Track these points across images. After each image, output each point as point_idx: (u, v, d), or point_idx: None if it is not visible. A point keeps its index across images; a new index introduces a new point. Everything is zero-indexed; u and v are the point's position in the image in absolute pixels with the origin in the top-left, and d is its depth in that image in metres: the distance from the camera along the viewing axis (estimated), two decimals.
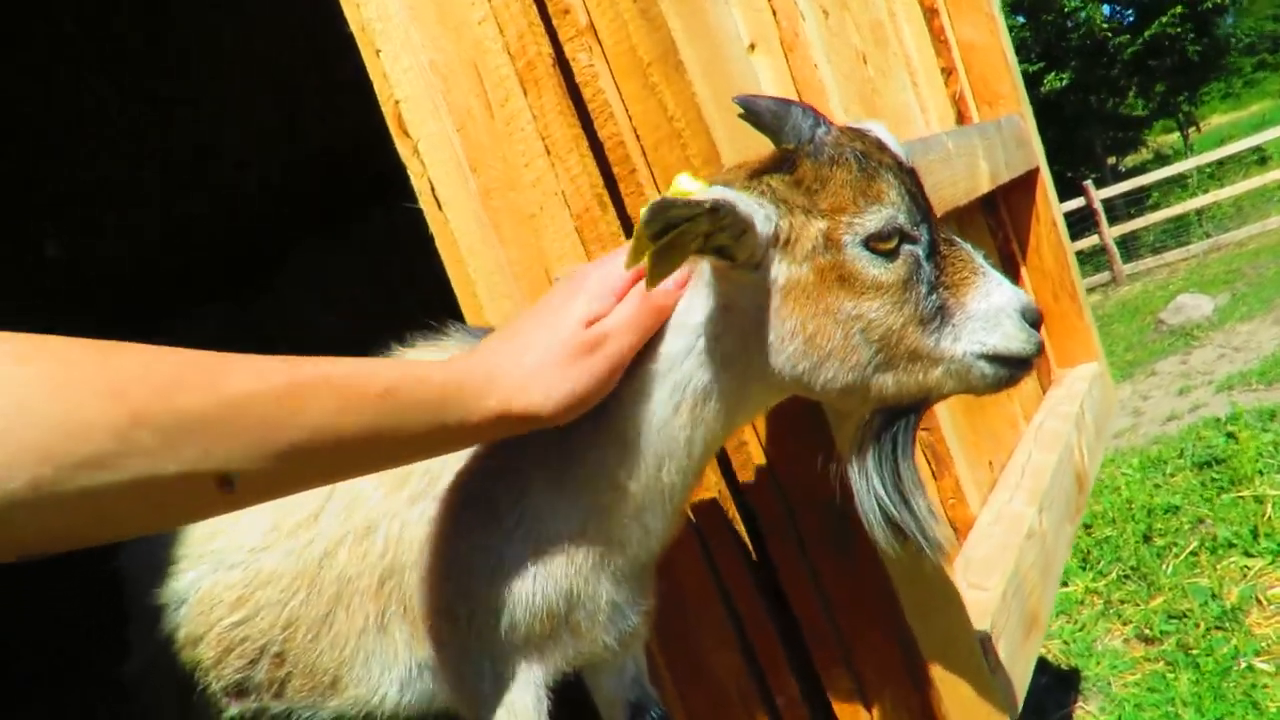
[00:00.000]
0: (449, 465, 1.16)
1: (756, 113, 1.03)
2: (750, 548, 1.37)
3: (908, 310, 0.98)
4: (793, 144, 1.01)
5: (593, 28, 1.27)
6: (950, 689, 1.26)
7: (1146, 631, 3.62)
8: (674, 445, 1.05)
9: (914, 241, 0.99)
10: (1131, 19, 28.03)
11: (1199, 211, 16.62)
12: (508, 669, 1.15)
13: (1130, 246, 17.24)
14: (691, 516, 1.34)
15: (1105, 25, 26.74)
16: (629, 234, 1.33)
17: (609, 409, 1.04)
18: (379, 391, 0.79)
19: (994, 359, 1.00)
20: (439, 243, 1.41)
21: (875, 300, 0.97)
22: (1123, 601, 4.04)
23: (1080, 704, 3.23)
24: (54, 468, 0.62)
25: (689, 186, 1.01)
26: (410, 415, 0.82)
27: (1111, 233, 15.66)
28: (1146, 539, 4.41)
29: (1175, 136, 34.14)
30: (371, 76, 1.39)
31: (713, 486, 1.34)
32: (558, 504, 1.10)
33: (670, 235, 0.88)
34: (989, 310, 0.99)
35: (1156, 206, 18.03)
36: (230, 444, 0.71)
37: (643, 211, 0.85)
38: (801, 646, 1.34)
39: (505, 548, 1.11)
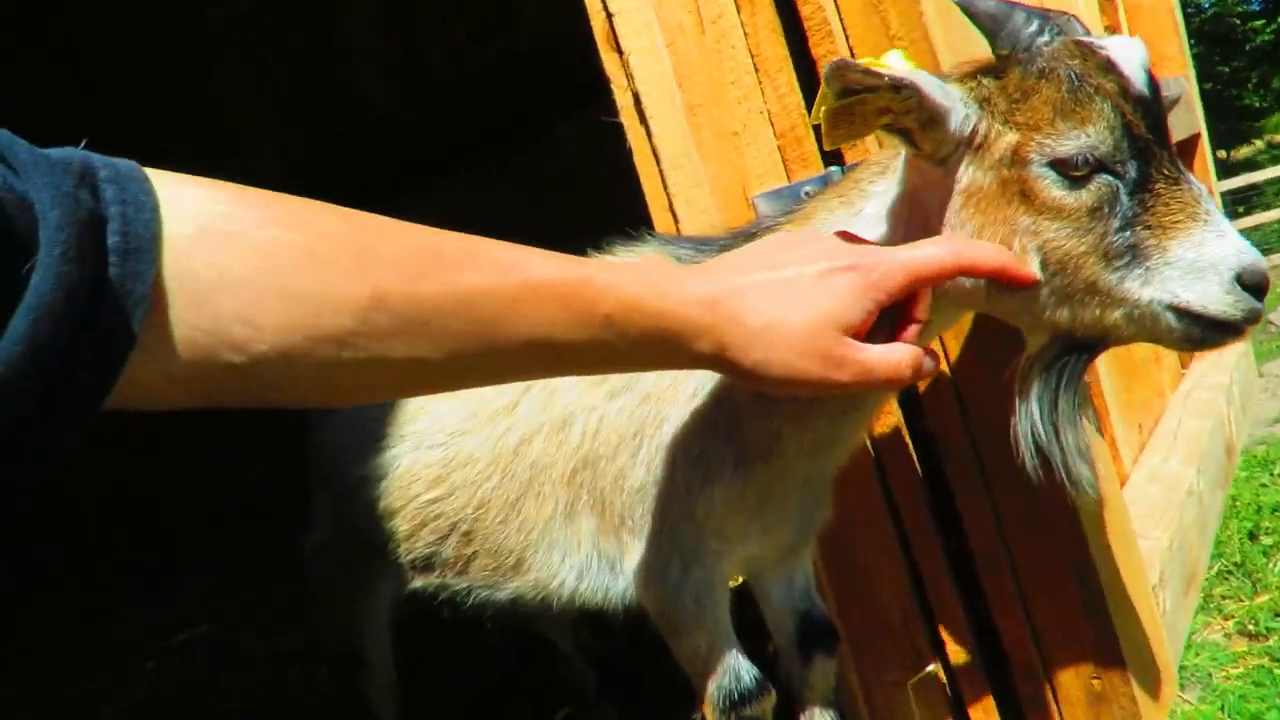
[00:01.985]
0: None
1: (976, 14, 1.01)
2: (921, 470, 1.39)
3: (1090, 240, 0.94)
4: (1007, 50, 0.98)
5: None
6: (1126, 629, 1.27)
7: (1250, 627, 3.51)
8: None
9: (1116, 174, 0.94)
10: (1258, 7, 26.54)
11: None
12: (696, 562, 1.20)
13: None
14: (870, 436, 1.36)
15: (1237, 11, 25.38)
16: (830, 160, 1.34)
17: None
18: (605, 312, 0.77)
19: (1185, 314, 0.93)
20: (637, 157, 1.44)
21: (1054, 221, 0.94)
22: (1224, 597, 3.92)
23: (1180, 694, 3.18)
24: (299, 338, 0.64)
25: (896, 64, 1.00)
26: (626, 340, 0.79)
27: None
28: (1252, 536, 4.27)
29: None
30: None
31: (893, 408, 1.36)
32: (760, 405, 1.13)
33: (850, 100, 0.88)
34: (1195, 260, 0.91)
35: (1268, 205, 17.14)
36: (457, 335, 0.71)
37: (825, 67, 0.86)
38: (971, 574, 1.36)
39: (710, 443, 1.15)
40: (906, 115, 0.94)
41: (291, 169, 5.32)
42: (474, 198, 5.27)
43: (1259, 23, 25.64)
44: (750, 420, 1.12)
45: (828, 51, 1.28)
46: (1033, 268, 0.96)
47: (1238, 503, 4.85)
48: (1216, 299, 0.91)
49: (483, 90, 4.90)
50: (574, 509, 1.27)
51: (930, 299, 0.94)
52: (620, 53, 1.41)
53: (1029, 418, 1.02)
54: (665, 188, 1.42)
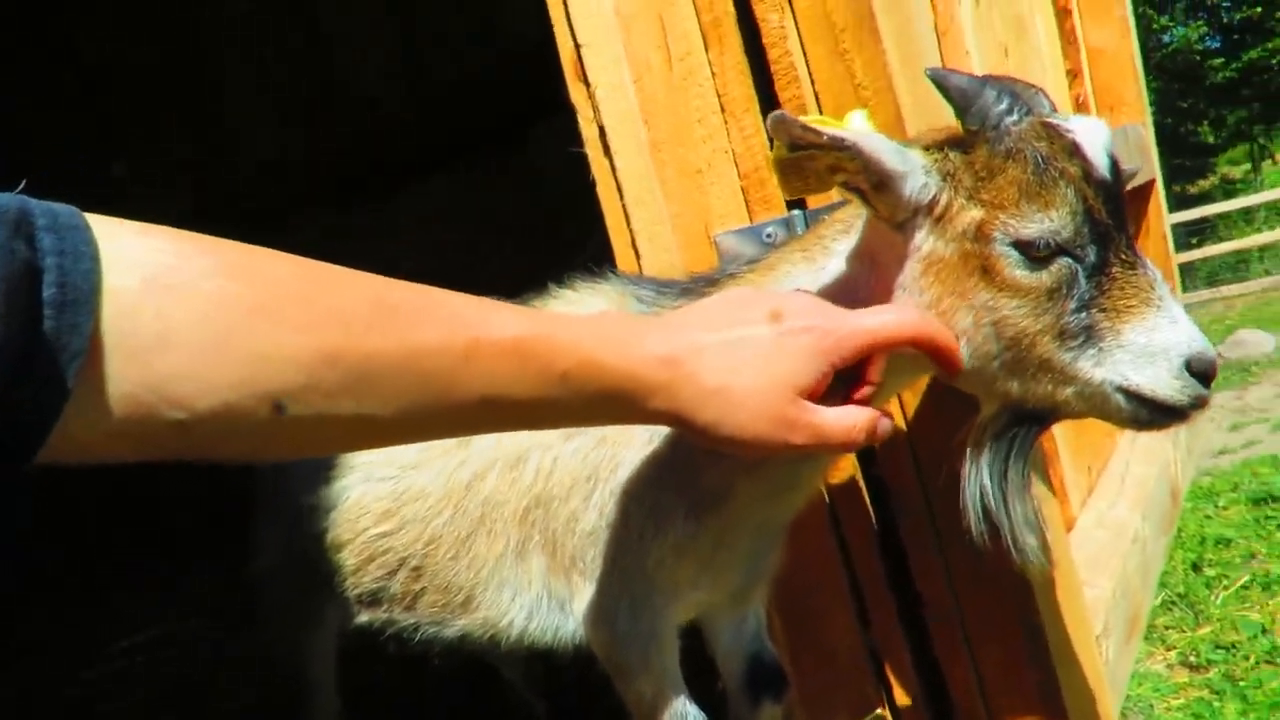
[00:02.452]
0: None
1: (947, 89, 1.02)
2: (876, 520, 1.39)
3: (1046, 319, 0.95)
4: (976, 126, 0.99)
5: None
6: (1069, 680, 1.28)
7: (1192, 659, 3.58)
8: None
9: (1076, 258, 0.95)
10: (1218, 44, 27.35)
11: (1262, 248, 16.24)
12: (646, 606, 1.19)
13: (1186, 276, 16.91)
14: (826, 483, 1.36)
15: (1197, 49, 26.17)
16: (793, 204, 1.34)
17: None
18: (563, 370, 0.76)
19: (1134, 396, 0.95)
20: (601, 191, 1.43)
21: (1012, 299, 0.96)
22: (1168, 628, 4.00)
23: None
24: (244, 395, 0.62)
25: (859, 124, 1.01)
26: (581, 398, 0.78)
27: (1175, 259, 15.35)
28: (1196, 568, 4.36)
29: (1241, 169, 33.31)
30: (553, 20, 1.40)
31: (848, 456, 1.36)
32: (714, 456, 1.12)
33: (798, 154, 0.90)
34: (1147, 345, 0.93)
35: (1219, 238, 17.64)
36: (408, 392, 0.69)
37: (768, 119, 0.89)
38: (921, 622, 1.36)
39: (661, 493, 1.14)
40: (858, 175, 0.95)
41: (291, 169, 5.30)
42: (474, 198, 5.25)
43: (1218, 61, 26.43)
44: (705, 469, 1.12)
45: (794, 96, 1.29)
46: (989, 343, 0.96)
47: (1183, 534, 4.96)
48: (1165, 384, 0.93)
49: (482, 90, 4.87)
50: (525, 548, 1.26)
51: (884, 363, 0.94)
52: (587, 85, 1.40)
53: (978, 484, 1.03)
54: (628, 223, 1.41)
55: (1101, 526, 1.69)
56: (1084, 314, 0.95)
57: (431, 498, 1.31)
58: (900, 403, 1.31)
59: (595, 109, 1.41)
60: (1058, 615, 1.28)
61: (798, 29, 1.28)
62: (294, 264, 0.69)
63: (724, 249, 1.35)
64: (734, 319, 0.87)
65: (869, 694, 1.42)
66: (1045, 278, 0.95)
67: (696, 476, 1.12)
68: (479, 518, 1.27)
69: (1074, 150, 0.97)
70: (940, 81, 1.00)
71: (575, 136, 1.45)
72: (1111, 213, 0.97)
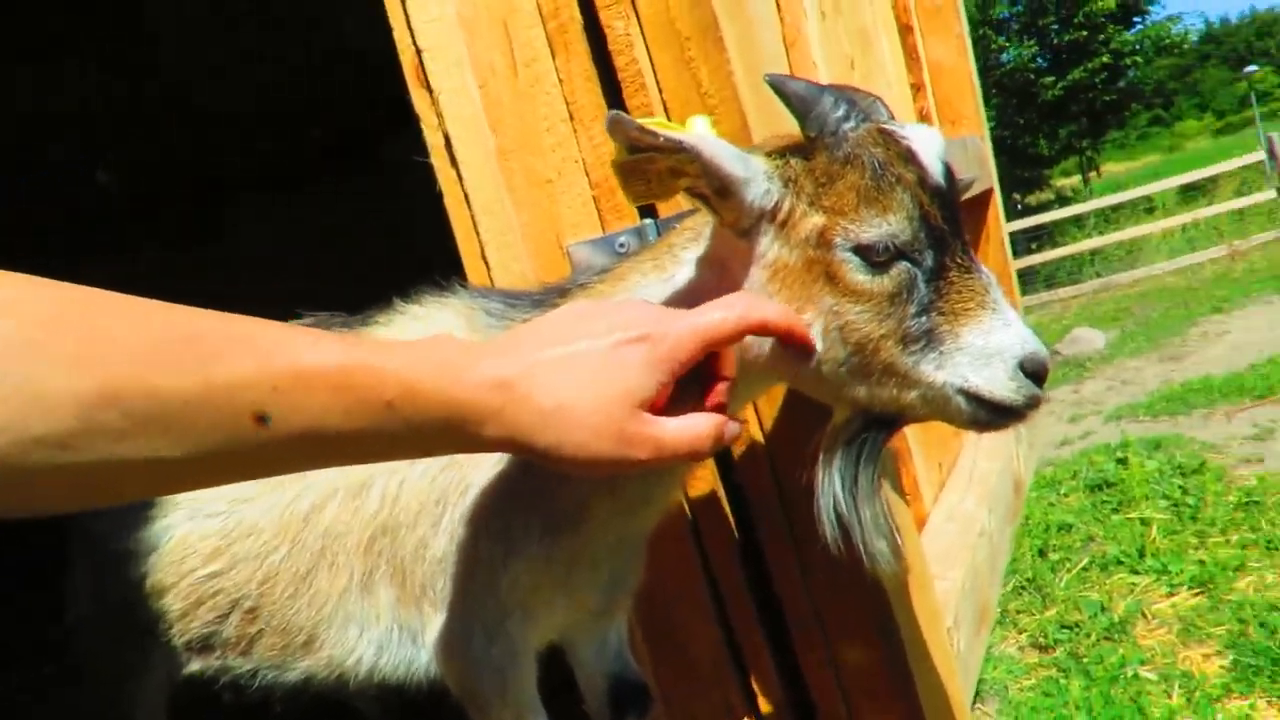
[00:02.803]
0: None
1: (786, 94, 1.03)
2: (736, 528, 1.39)
3: (889, 324, 0.97)
4: (815, 133, 1.00)
5: None
6: (923, 676, 1.31)
7: (1041, 640, 3.80)
8: None
9: (914, 262, 0.97)
10: (1046, 64, 29.52)
11: (1093, 252, 17.59)
12: (499, 632, 1.14)
13: (1027, 279, 18.12)
14: (684, 493, 1.35)
15: (1031, 68, 28.20)
16: (645, 212, 1.33)
17: None
18: (388, 399, 0.71)
19: (974, 398, 0.97)
20: (448, 200, 1.38)
21: (856, 304, 0.97)
22: (1019, 611, 4.23)
23: (979, 705, 3.39)
24: (7, 441, 0.55)
25: (701, 129, 1.00)
26: (411, 428, 0.74)
27: (1015, 265, 16.41)
28: (1042, 554, 4.64)
29: (1074, 180, 36.08)
30: (392, 23, 1.34)
31: (707, 465, 1.36)
32: (571, 475, 1.09)
33: (638, 157, 0.88)
34: (984, 347, 0.95)
35: (1055, 244, 18.99)
36: (210, 431, 0.63)
37: (604, 119, 0.86)
38: (780, 625, 1.37)
39: (514, 514, 1.10)
40: (700, 180, 0.93)
41: (132, 178, 4.89)
42: (322, 213, 5.01)
43: (1049, 79, 28.54)
44: (558, 488, 1.08)
45: (642, 103, 1.27)
46: (835, 348, 0.97)
47: (1029, 521, 5.27)
48: (1002, 385, 0.95)
49: (331, 101, 4.66)
50: (372, 580, 1.18)
51: (735, 356, 0.93)
52: (430, 91, 1.35)
53: (830, 492, 1.03)
54: (477, 233, 1.36)
55: (951, 520, 1.76)
56: (924, 318, 0.97)
57: (266, 533, 1.22)
58: (756, 411, 1.32)
59: (439, 115, 1.36)
60: (911, 613, 1.31)
61: (644, 37, 1.26)
62: (73, 294, 0.62)
63: (576, 259, 1.32)
64: (568, 334, 0.84)
65: (734, 702, 1.41)
66: (886, 282, 0.96)
67: (549, 496, 1.08)
68: (319, 551, 1.19)
69: (909, 157, 0.99)
70: (779, 87, 1.00)
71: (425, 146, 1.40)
72: (947, 218, 0.99)
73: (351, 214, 4.99)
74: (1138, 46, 28.40)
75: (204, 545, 1.26)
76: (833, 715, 1.37)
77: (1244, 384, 6.36)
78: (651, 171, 0.90)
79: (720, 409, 0.91)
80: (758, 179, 0.96)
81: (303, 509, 1.20)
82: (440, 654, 1.17)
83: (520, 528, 1.08)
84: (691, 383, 0.90)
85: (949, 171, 1.01)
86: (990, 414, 0.97)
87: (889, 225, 0.95)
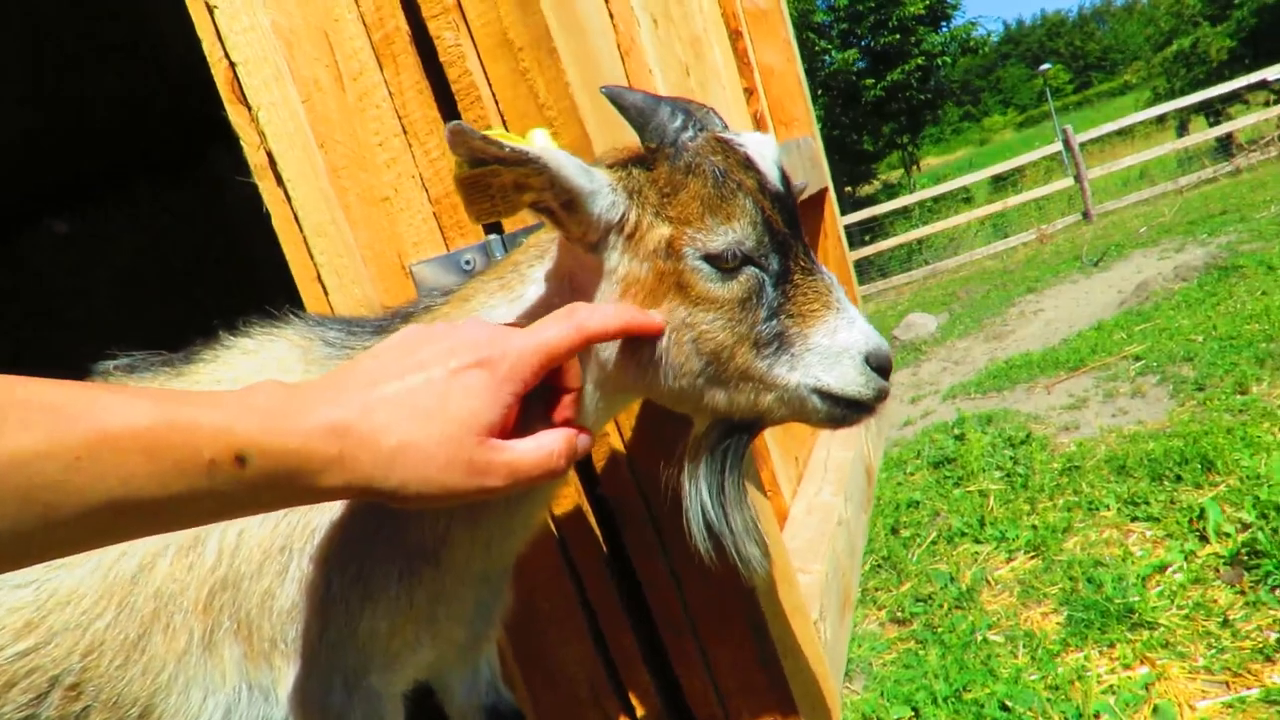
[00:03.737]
0: None
1: (624, 107, 1.02)
2: (604, 541, 1.37)
3: (741, 330, 0.97)
4: (655, 143, 1.00)
5: (459, 6, 1.23)
6: (795, 671, 1.33)
7: (899, 614, 3.99)
8: None
9: (760, 267, 0.98)
10: (865, 65, 31.24)
11: (920, 241, 18.75)
12: (361, 681, 1.07)
13: (863, 270, 19.11)
14: (549, 511, 1.32)
15: (853, 70, 29.81)
16: (491, 228, 1.29)
17: None
18: (210, 458, 0.66)
19: (828, 396, 0.99)
20: (276, 222, 1.29)
21: (708, 313, 0.97)
22: (877, 589, 4.43)
23: (847, 684, 3.52)
24: None
25: (541, 142, 0.98)
26: (241, 486, 0.69)
27: (850, 256, 17.26)
28: (894, 531, 4.88)
29: (899, 173, 38.37)
30: (201, 35, 1.25)
31: (571, 480, 1.33)
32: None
33: (481, 170, 0.85)
34: (831, 347, 0.98)
35: (886, 235, 20.12)
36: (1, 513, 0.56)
37: (445, 131, 0.83)
38: (655, 637, 1.36)
39: (368, 553, 1.03)
40: (546, 193, 0.91)
41: None
42: (139, 233, 4.61)
43: (870, 80, 30.25)
44: (414, 524, 1.03)
45: (478, 116, 1.23)
46: (691, 359, 0.97)
47: (881, 501, 5.54)
48: (853, 381, 0.98)
49: (149, 114, 4.30)
50: (214, 638, 1.08)
51: (579, 367, 0.91)
52: (248, 106, 1.26)
53: (698, 502, 1.03)
54: (311, 256, 1.28)
55: (811, 513, 1.81)
56: (774, 321, 0.98)
57: (87, 599, 1.09)
58: (617, 425, 1.30)
59: (260, 134, 1.27)
60: (779, 610, 1.33)
61: (476, 48, 1.22)
62: None
63: (420, 279, 1.27)
64: (402, 366, 0.80)
65: (612, 718, 1.39)
66: (736, 288, 0.97)
67: (404, 533, 1.02)
68: (152, 613, 1.08)
69: (748, 163, 1.00)
70: (616, 99, 0.99)
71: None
72: (788, 222, 1.01)
73: (173, 236, 4.66)
74: (945, 48, 30.57)
75: (13, 620, 1.11)
76: (710, 718, 1.38)
77: (1058, 358, 6.93)
78: (495, 186, 0.87)
79: (569, 422, 0.88)
80: (603, 191, 0.95)
81: (129, 569, 1.08)
82: (297, 710, 1.09)
83: (376, 568, 1.02)
84: (537, 399, 0.88)
85: (785, 176, 1.03)
86: (844, 410, 1.00)
87: (735, 232, 0.96)
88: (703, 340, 0.97)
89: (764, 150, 1.02)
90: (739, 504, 1.05)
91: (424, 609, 1.05)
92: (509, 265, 1.09)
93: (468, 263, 1.26)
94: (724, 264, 0.96)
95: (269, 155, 1.26)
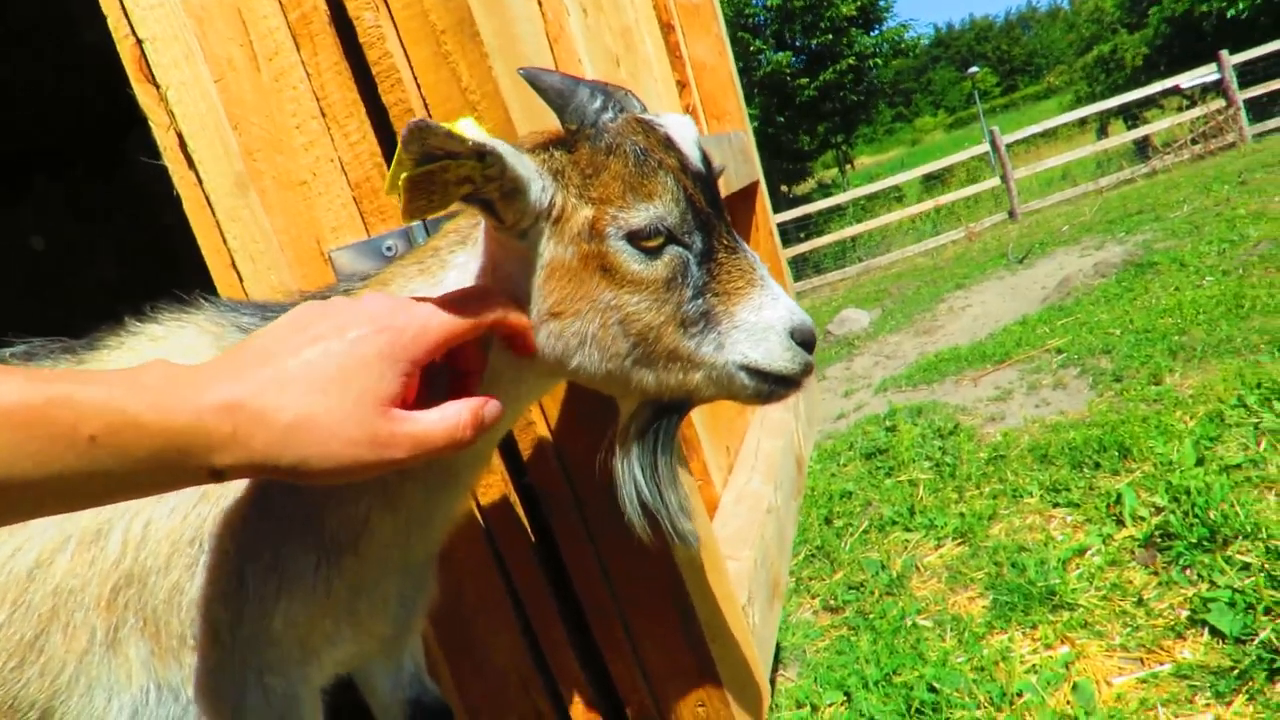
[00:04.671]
0: None
1: (542, 89, 1.02)
2: (531, 530, 1.36)
3: (668, 310, 0.98)
4: (575, 125, 0.99)
5: None
6: (723, 655, 1.34)
7: (831, 602, 4.06)
8: None
9: (684, 245, 0.98)
10: (803, 64, 31.68)
11: (854, 238, 19.09)
12: (278, 678, 1.04)
13: (799, 266, 19.39)
14: (475, 499, 1.30)
15: (787, 70, 30.20)
16: None
17: None
18: (90, 434, 0.63)
19: (755, 372, 1.00)
20: (188, 205, 1.24)
21: (634, 294, 0.97)
22: (811, 578, 4.49)
23: (781, 672, 3.56)
24: None
25: (470, 131, 0.97)
26: (125, 466, 0.66)
27: (785, 254, 17.50)
28: (828, 521, 4.95)
29: (834, 171, 38.99)
30: (106, 11, 1.20)
31: (497, 468, 1.32)
32: (343, 491, 1.02)
33: (431, 167, 0.82)
34: (757, 323, 0.99)
35: (822, 232, 20.44)
36: None
37: (404, 130, 0.79)
38: (583, 626, 1.35)
39: (283, 543, 1.01)
40: (489, 185, 0.89)
41: None
42: (54, 219, 4.41)
43: (804, 80, 30.68)
44: (331, 510, 1.00)
45: (399, 100, 1.21)
46: (618, 342, 0.96)
47: (815, 491, 5.62)
48: (779, 356, 0.99)
49: (62, 97, 4.11)
50: (118, 637, 1.04)
51: (482, 351, 0.91)
52: (156, 86, 1.21)
53: (633, 482, 1.04)
54: (224, 241, 1.24)
55: (740, 501, 1.82)
56: (700, 300, 0.98)
57: None
58: (543, 410, 1.29)
59: (170, 114, 1.22)
60: (708, 596, 1.34)
61: (397, 29, 1.20)
62: None
63: (340, 265, 1.24)
64: (299, 340, 0.77)
65: (543, 709, 1.39)
66: (660, 268, 0.97)
67: (320, 520, 1.00)
68: (50, 612, 1.03)
69: (668, 143, 1.00)
70: (534, 81, 0.98)
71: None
72: (710, 201, 1.01)
73: (83, 222, 4.47)
74: (877, 49, 31.19)
75: None
76: (640, 706, 1.38)
77: (985, 351, 7.13)
78: (438, 182, 0.84)
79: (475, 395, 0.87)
80: (535, 177, 0.94)
81: (24, 566, 1.04)
82: (209, 708, 1.05)
83: (292, 558, 0.99)
84: (442, 375, 0.87)
85: (706, 157, 1.03)
86: (772, 385, 1.01)
87: (657, 209, 0.96)
88: (629, 322, 0.97)
89: (684, 131, 1.02)
90: (672, 482, 1.06)
91: (343, 600, 1.03)
92: (429, 250, 1.07)
93: (389, 248, 1.24)
94: (647, 243, 0.96)
95: (179, 136, 1.22)
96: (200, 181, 1.23)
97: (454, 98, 1.20)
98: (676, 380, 1.00)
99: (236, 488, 1.00)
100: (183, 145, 1.22)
